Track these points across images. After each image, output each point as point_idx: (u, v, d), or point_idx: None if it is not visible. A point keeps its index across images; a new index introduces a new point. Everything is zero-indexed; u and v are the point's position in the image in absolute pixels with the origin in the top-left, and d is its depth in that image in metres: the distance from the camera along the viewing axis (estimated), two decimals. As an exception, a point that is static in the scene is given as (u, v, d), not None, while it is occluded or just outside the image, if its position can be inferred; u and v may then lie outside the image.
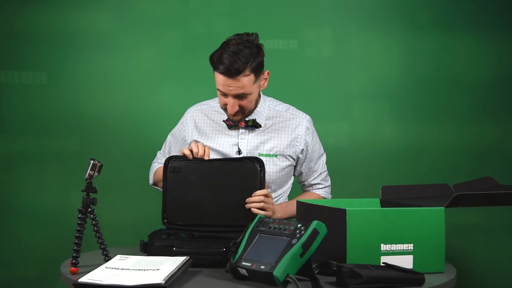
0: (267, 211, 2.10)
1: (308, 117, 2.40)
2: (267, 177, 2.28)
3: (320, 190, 2.45)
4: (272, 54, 2.99)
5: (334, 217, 1.76)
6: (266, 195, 2.10)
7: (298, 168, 2.40)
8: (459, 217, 2.95)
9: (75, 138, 2.99)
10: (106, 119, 3.00)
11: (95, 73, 3.00)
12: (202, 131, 2.37)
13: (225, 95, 2.22)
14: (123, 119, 3.00)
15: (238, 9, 3.00)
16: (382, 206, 2.15)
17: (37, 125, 2.98)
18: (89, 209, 1.88)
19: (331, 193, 2.51)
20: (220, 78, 2.18)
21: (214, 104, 2.41)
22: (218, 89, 2.23)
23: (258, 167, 2.09)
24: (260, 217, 1.79)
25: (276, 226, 1.71)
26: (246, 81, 2.18)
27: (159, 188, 2.41)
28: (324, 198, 2.44)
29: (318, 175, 2.44)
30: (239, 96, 2.21)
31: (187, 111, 2.45)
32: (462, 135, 3.03)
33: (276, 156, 2.32)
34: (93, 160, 1.87)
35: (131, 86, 3.01)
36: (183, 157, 2.12)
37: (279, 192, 2.37)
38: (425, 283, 1.68)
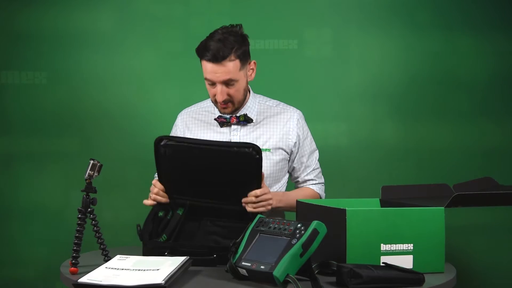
0: (263, 207, 2.07)
1: (298, 111, 2.42)
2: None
3: (314, 186, 2.45)
4: (272, 54, 3.01)
5: (334, 217, 1.76)
6: (258, 195, 2.05)
7: (290, 164, 2.40)
8: (459, 217, 2.95)
9: (75, 138, 2.99)
10: (106, 119, 3.00)
11: (95, 73, 3.00)
12: (193, 132, 2.39)
13: (213, 84, 2.24)
14: (123, 119, 3.00)
15: (238, 9, 3.00)
16: (382, 206, 2.15)
17: (37, 125, 2.98)
18: (89, 209, 1.88)
19: (326, 191, 2.50)
20: (206, 66, 2.21)
21: (204, 104, 2.43)
22: (206, 79, 2.25)
23: (255, 154, 2.00)
24: (260, 217, 1.79)
25: (276, 226, 1.71)
26: (232, 66, 2.20)
27: None
28: (319, 194, 2.44)
29: (311, 171, 2.44)
30: (226, 83, 2.22)
31: (178, 116, 2.47)
32: (462, 135, 3.02)
33: (269, 150, 2.33)
34: (93, 160, 1.87)
35: (131, 86, 3.01)
36: (174, 137, 2.08)
37: (275, 187, 2.37)
38: (425, 283, 1.68)
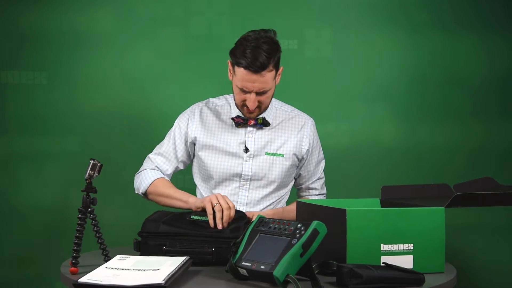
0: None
1: (311, 119, 2.42)
2: (272, 176, 2.31)
3: (315, 197, 2.44)
4: (272, 54, 3.00)
5: (334, 217, 1.76)
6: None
7: (297, 170, 2.40)
8: (459, 217, 2.95)
9: (75, 138, 2.99)
10: (106, 119, 3.00)
11: (95, 73, 3.00)
12: (208, 127, 2.34)
13: (244, 91, 2.19)
14: (123, 119, 3.00)
15: (238, 9, 3.00)
16: (382, 206, 2.15)
17: (37, 125, 2.98)
18: (89, 209, 1.88)
19: (326, 191, 2.50)
20: (243, 74, 2.15)
21: (219, 102, 2.39)
22: (237, 86, 2.20)
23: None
24: (260, 217, 1.79)
25: (276, 226, 1.71)
26: (268, 76, 2.17)
27: (151, 200, 2.35)
28: None
29: (316, 179, 2.43)
30: (261, 93, 2.20)
31: (191, 106, 2.40)
32: (462, 135, 3.02)
33: (282, 155, 2.32)
34: (93, 160, 1.87)
35: (131, 86, 3.01)
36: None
37: (281, 192, 2.37)
38: (425, 283, 1.68)
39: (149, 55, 3.00)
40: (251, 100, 2.20)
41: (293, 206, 2.28)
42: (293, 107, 2.43)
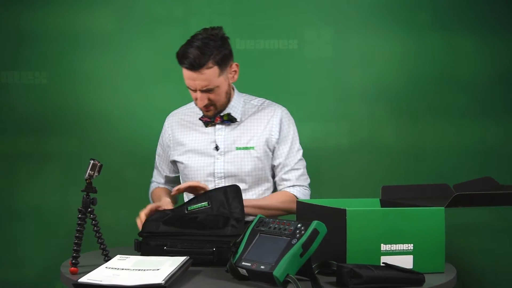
0: None
1: (283, 108, 2.39)
2: (244, 170, 2.30)
3: (292, 188, 2.34)
4: (272, 54, 3.01)
5: (334, 217, 1.76)
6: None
7: (272, 162, 2.36)
8: (459, 217, 2.94)
9: (75, 138, 2.99)
10: (106, 119, 3.00)
11: (95, 73, 3.00)
12: (179, 133, 2.39)
13: (193, 90, 2.23)
14: (123, 119, 3.00)
15: (238, 9, 3.00)
16: (382, 206, 2.15)
17: (37, 125, 2.98)
18: (89, 209, 1.88)
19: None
20: (185, 73, 2.20)
21: (191, 105, 2.43)
22: (186, 85, 2.24)
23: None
24: (260, 217, 1.79)
25: (276, 226, 1.71)
26: (209, 73, 2.18)
27: None
28: (296, 197, 2.32)
29: (289, 170, 2.34)
30: (206, 90, 2.21)
31: (166, 119, 2.48)
32: (462, 135, 3.02)
33: (253, 148, 2.31)
34: (93, 160, 1.87)
35: (131, 86, 3.01)
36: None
37: (263, 187, 2.34)
38: (425, 283, 1.68)
39: (149, 55, 3.00)
40: (199, 98, 2.22)
41: (272, 196, 2.31)
42: (264, 99, 2.41)
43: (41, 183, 2.98)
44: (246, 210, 2.15)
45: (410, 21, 3.02)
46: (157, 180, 2.52)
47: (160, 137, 2.49)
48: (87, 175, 1.87)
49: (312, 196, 2.43)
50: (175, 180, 2.48)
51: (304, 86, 3.02)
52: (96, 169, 1.87)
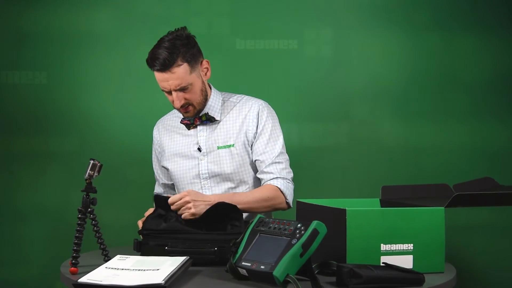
0: (186, 211, 2.04)
1: (261, 101, 2.35)
2: (226, 168, 2.28)
3: (274, 180, 2.26)
4: (272, 54, 3.01)
5: (334, 217, 1.76)
6: (180, 198, 2.05)
7: (252, 157, 2.31)
8: (459, 217, 2.95)
9: (75, 138, 2.99)
10: (106, 119, 3.00)
11: (95, 73, 3.00)
12: (165, 138, 2.40)
13: (169, 92, 2.22)
14: (123, 119, 3.00)
15: (238, 9, 3.00)
16: (382, 206, 2.15)
17: (37, 125, 2.98)
18: (89, 209, 1.88)
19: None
20: (157, 76, 2.20)
21: (173, 111, 2.44)
22: (161, 88, 2.23)
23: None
24: (260, 217, 1.79)
25: (276, 226, 1.71)
26: (180, 72, 2.18)
27: None
28: (280, 189, 2.24)
29: (271, 163, 2.27)
30: (181, 89, 2.20)
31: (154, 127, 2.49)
32: (462, 135, 3.03)
33: (233, 145, 2.30)
34: (93, 160, 1.87)
35: (131, 86, 3.01)
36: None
37: (242, 188, 2.32)
38: (425, 283, 1.68)
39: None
40: (175, 99, 2.21)
41: (254, 191, 2.27)
42: (243, 96, 2.38)
43: (41, 183, 2.98)
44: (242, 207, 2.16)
45: (410, 21, 3.02)
46: (157, 191, 2.52)
47: (152, 146, 2.49)
48: (87, 175, 1.87)
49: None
50: (174, 187, 2.48)
51: (304, 86, 3.02)
52: (96, 169, 1.87)
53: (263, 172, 2.29)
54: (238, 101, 2.36)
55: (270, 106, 2.36)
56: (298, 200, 2.10)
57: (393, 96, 3.03)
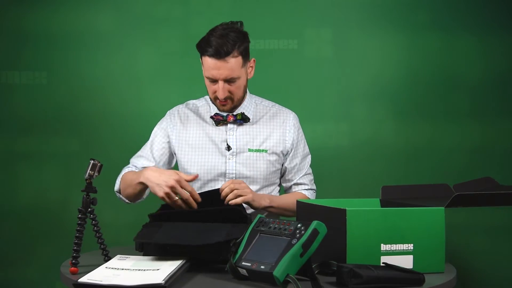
0: (244, 195, 2.05)
1: (294, 113, 2.41)
2: (257, 172, 2.29)
3: (306, 191, 2.41)
4: (272, 54, 3.01)
5: (334, 217, 1.76)
6: (233, 182, 2.05)
7: (283, 165, 2.37)
8: (459, 217, 2.95)
9: (75, 138, 2.99)
10: (106, 119, 3.00)
11: (95, 73, 3.00)
12: (187, 127, 2.34)
13: (214, 81, 2.21)
14: (123, 119, 3.00)
15: (238, 9, 3.00)
16: (382, 206, 2.15)
17: (37, 125, 2.98)
18: (89, 209, 1.88)
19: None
20: (209, 62, 2.17)
21: (199, 103, 2.40)
22: (206, 77, 2.21)
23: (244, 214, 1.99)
24: (260, 217, 1.79)
25: (276, 226, 1.71)
26: (234, 62, 2.17)
27: (123, 197, 2.34)
28: (310, 198, 2.39)
29: (304, 175, 2.40)
30: (228, 80, 2.20)
31: (169, 112, 2.41)
32: (462, 135, 3.03)
33: (266, 151, 2.31)
34: (93, 160, 1.87)
35: (131, 86, 3.01)
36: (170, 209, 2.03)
37: (269, 189, 2.35)
38: (425, 283, 1.68)
39: (149, 55, 3.01)
40: (220, 89, 2.20)
41: (290, 196, 2.33)
42: (274, 103, 2.41)
43: (41, 183, 2.98)
44: (272, 210, 2.23)
45: (410, 22, 3.02)
46: (138, 165, 2.36)
47: (162, 125, 2.38)
48: (87, 175, 1.86)
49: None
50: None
51: (304, 86, 3.02)
52: (96, 169, 1.87)
53: (297, 183, 2.39)
54: (270, 106, 2.39)
55: None
56: (298, 200, 2.10)
57: (393, 96, 3.03)
